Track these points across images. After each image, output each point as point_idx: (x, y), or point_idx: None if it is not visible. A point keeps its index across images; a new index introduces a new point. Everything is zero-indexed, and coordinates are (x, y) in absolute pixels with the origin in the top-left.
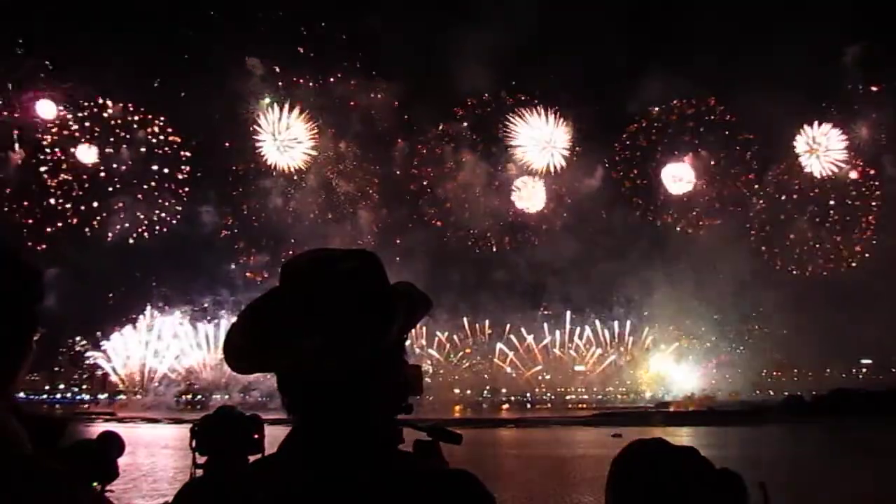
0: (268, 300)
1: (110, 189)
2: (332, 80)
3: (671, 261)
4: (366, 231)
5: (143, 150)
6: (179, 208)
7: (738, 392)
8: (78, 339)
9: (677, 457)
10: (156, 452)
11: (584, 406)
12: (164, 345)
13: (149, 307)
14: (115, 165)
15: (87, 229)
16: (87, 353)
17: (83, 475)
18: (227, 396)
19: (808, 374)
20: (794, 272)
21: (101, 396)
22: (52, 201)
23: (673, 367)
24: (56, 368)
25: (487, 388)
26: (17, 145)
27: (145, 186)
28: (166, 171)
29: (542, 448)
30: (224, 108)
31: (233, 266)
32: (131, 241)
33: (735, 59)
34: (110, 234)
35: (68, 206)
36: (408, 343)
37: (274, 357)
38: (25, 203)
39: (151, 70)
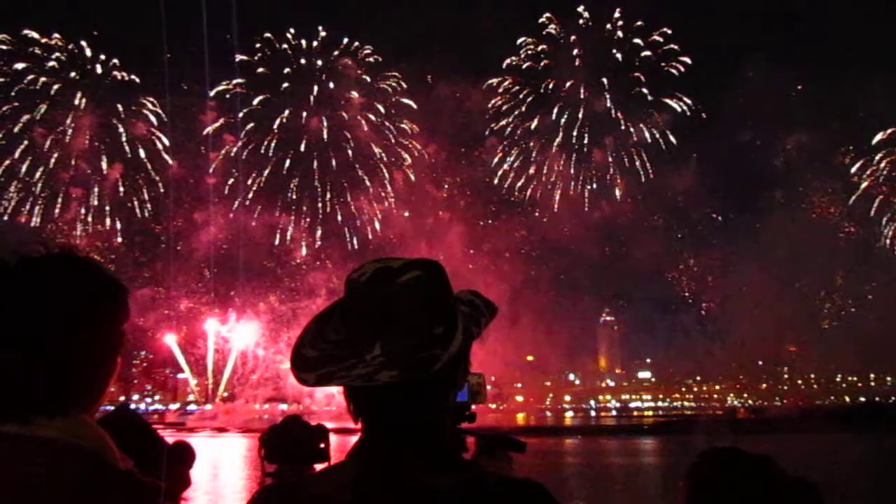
0: (333, 312)
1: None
2: (429, 79)
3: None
4: (455, 236)
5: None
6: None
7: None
8: (146, 352)
9: (753, 465)
10: (227, 462)
11: (651, 414)
12: (249, 353)
13: (231, 314)
14: (191, 178)
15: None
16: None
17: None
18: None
19: (861, 382)
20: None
21: (173, 407)
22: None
23: None
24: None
25: (550, 395)
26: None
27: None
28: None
29: (608, 457)
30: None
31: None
32: (220, 250)
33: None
34: (194, 245)
35: (151, 215)
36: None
37: (340, 369)
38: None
39: (228, 73)
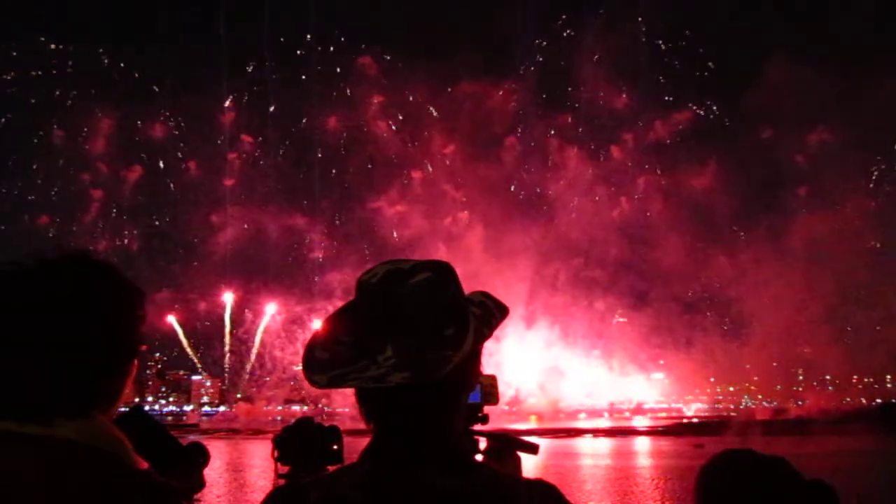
0: (345, 314)
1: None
2: (448, 84)
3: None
4: (473, 237)
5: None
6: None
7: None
8: (160, 355)
9: (767, 467)
10: (241, 463)
11: (664, 415)
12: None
13: (247, 313)
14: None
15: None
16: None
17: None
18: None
19: (878, 384)
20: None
21: (188, 408)
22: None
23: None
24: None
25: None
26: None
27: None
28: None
29: (621, 458)
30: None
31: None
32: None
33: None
34: (212, 248)
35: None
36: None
37: (352, 371)
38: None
39: (258, 76)
